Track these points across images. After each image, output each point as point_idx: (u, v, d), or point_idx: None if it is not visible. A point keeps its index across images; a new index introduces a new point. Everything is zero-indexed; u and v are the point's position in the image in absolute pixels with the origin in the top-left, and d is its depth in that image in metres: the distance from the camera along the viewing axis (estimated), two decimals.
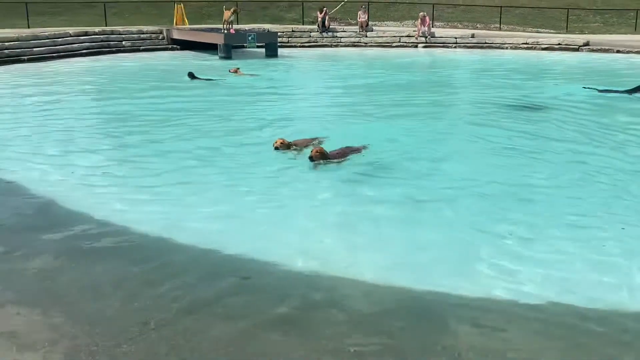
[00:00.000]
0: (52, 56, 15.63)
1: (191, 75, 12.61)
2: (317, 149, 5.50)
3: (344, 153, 5.84)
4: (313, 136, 6.62)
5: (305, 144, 6.13)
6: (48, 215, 4.30)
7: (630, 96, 10.78)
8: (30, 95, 10.50)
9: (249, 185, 5.07)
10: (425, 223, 4.21)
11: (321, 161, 5.37)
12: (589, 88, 11.39)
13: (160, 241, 3.62)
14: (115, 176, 5.35)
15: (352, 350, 2.24)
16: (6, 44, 14.92)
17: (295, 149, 5.87)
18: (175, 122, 8.38)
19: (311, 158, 5.27)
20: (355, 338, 2.41)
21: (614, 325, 2.63)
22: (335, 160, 5.55)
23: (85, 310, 2.65)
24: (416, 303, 2.88)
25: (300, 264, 3.33)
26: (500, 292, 3.02)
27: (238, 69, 13.64)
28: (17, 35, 16.04)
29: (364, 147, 6.04)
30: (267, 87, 11.94)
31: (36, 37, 15.94)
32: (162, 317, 2.45)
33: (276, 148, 5.76)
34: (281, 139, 5.88)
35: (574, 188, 5.24)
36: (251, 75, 13.23)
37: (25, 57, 14.85)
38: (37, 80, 12.53)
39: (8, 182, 5.22)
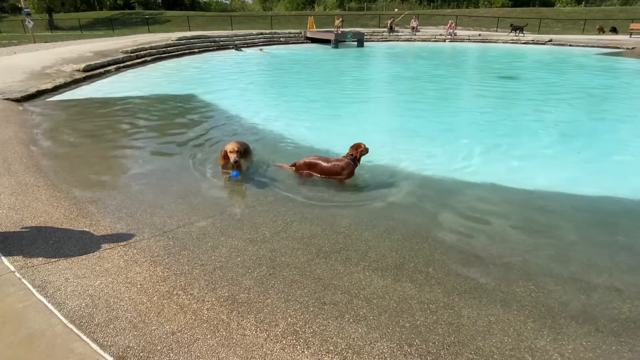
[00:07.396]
0: (244, 45, 23.29)
1: (236, 48, 19.45)
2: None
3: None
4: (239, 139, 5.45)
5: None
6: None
7: None
8: (231, 63, 16.10)
9: None
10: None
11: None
12: None
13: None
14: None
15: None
16: (221, 38, 23.20)
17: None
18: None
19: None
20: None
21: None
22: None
23: None
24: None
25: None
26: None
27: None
28: (226, 33, 24.43)
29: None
30: (353, 58, 18.84)
31: (235, 35, 24.45)
32: None
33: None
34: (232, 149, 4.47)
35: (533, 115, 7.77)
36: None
37: (231, 46, 22.26)
38: (238, 56, 18.97)
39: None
